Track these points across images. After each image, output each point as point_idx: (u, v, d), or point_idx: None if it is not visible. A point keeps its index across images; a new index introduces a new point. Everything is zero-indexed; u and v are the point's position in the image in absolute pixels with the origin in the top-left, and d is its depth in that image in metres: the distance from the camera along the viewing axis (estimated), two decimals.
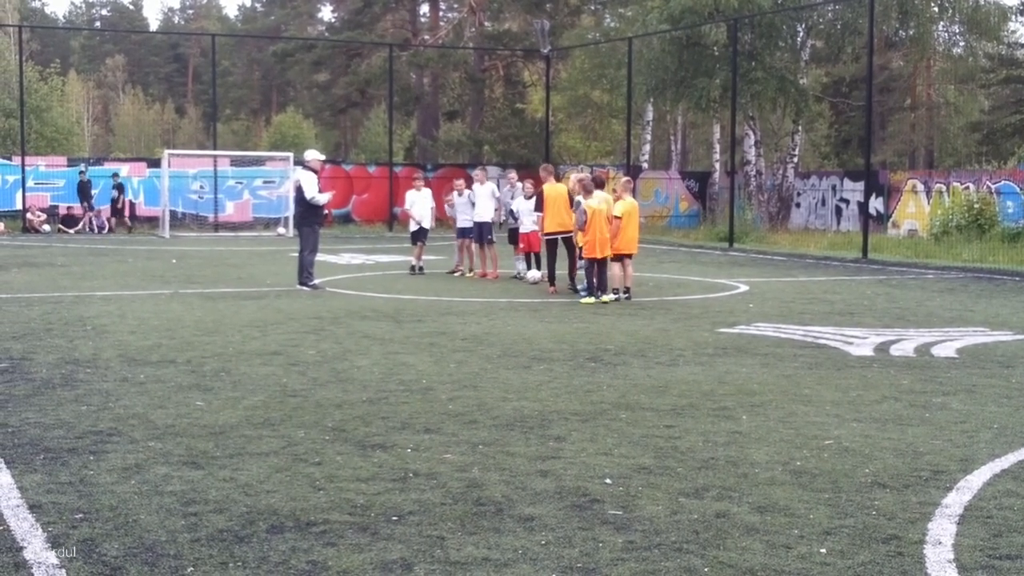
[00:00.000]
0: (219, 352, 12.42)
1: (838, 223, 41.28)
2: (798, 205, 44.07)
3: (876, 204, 39.36)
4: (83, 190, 39.25)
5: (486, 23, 54.35)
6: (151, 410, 9.29)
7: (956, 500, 6.91)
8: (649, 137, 55.10)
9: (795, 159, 44.80)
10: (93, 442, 8.17)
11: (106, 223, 39.20)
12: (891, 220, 39.49)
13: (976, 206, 34.63)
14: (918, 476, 7.48)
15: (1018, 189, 35.19)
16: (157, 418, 8.99)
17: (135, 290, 19.28)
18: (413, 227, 24.23)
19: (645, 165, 53.11)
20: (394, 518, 6.43)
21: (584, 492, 7.01)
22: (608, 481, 7.27)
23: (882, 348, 13.30)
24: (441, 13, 60.59)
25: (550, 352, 12.71)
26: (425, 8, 58.35)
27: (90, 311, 16.12)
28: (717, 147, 50.38)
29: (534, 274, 21.20)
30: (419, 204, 24.21)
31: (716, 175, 48.75)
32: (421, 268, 23.77)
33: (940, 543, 6.10)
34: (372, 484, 7.14)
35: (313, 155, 20.59)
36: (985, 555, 5.91)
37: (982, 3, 42.87)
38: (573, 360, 12.18)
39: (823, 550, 5.97)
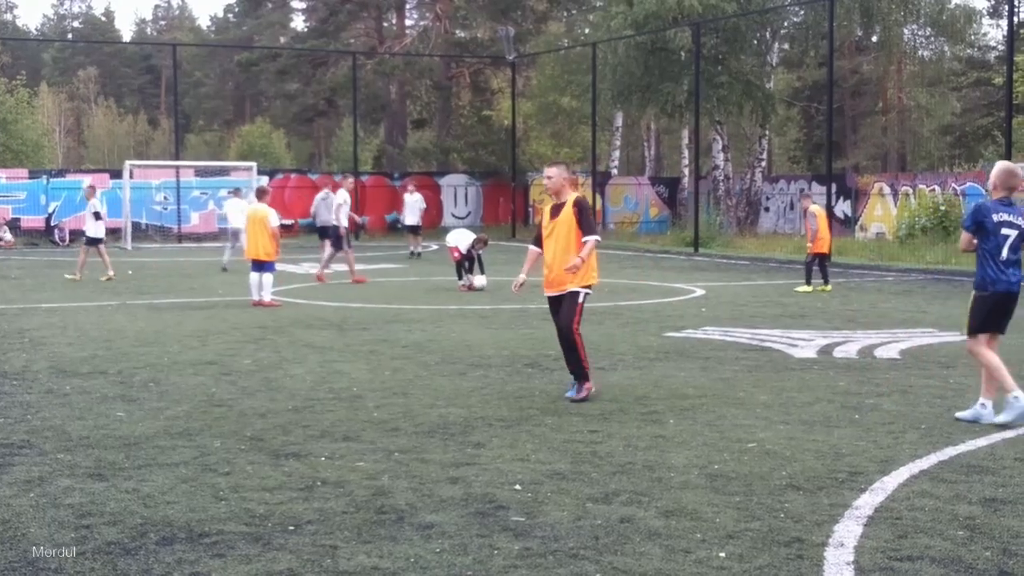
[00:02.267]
0: (153, 362, 12.25)
1: (801, 226, 41.23)
2: (767, 209, 44.07)
3: (844, 207, 39.40)
4: None
5: (452, 30, 54.25)
6: (69, 422, 9.13)
7: (868, 501, 6.81)
8: (619, 143, 55.10)
9: (762, 163, 44.79)
10: (0, 455, 8.00)
11: (68, 236, 38.95)
12: (859, 223, 39.52)
13: (942, 208, 34.66)
14: (834, 478, 7.37)
15: (983, 191, 35.23)
16: (73, 430, 8.83)
17: (83, 301, 19.08)
18: (409, 222, 31.87)
19: (615, 171, 53.10)
20: (291, 528, 6.29)
21: (491, 499, 6.88)
22: (518, 487, 7.14)
23: (826, 350, 13.22)
24: (410, 21, 60.53)
25: (489, 358, 12.58)
26: (391, 16, 58.20)
27: (31, 323, 15.93)
28: (686, 152, 50.36)
29: (480, 280, 21.11)
30: (410, 204, 31.81)
31: (686, 180, 48.73)
32: (419, 254, 30.79)
33: (843, 545, 5.98)
34: (276, 493, 6.99)
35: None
36: (886, 556, 5.80)
37: (949, 5, 42.95)
38: (511, 366, 12.06)
39: (722, 554, 5.85)
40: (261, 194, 19.23)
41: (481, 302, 19.03)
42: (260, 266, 18.40)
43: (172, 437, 8.56)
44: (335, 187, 24.92)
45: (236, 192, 29.71)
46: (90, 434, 8.67)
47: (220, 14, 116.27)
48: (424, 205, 33.49)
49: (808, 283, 21.18)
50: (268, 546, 5.98)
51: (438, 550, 5.91)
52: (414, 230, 32.45)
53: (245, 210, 25.87)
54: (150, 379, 11.19)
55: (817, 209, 21.71)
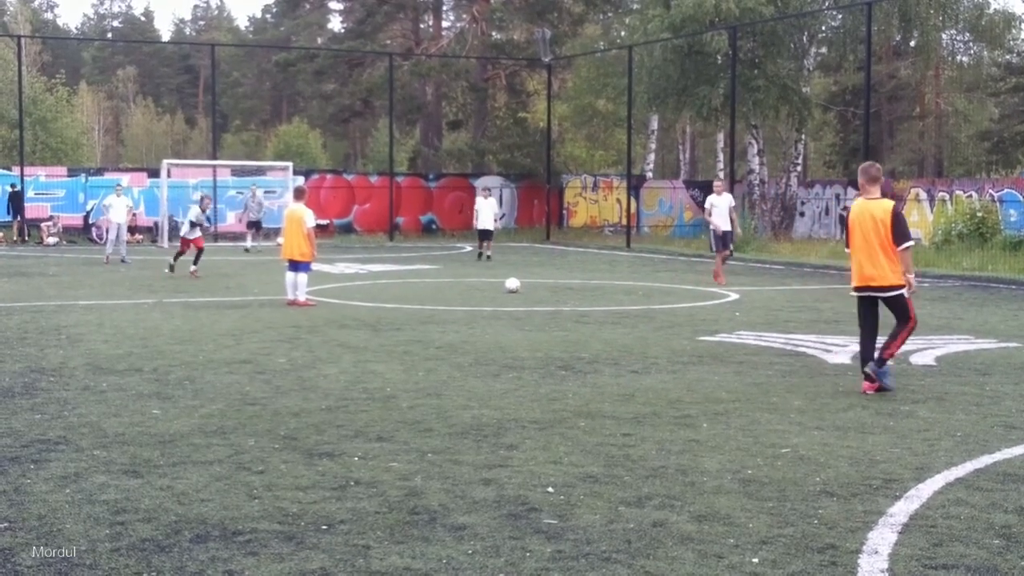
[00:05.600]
0: (188, 361, 12.32)
1: (841, 232, 41.03)
2: (802, 214, 43.88)
3: None
4: (14, 201, 39.13)
5: (488, 32, 54.26)
6: (105, 418, 9.19)
7: (902, 509, 6.77)
8: (654, 146, 55.00)
9: (798, 168, 44.61)
10: (38, 451, 8.07)
11: (105, 234, 39.16)
12: None
13: (979, 214, 34.42)
14: (868, 485, 7.33)
15: (1021, 197, 34.97)
16: (109, 426, 8.89)
17: (119, 299, 19.22)
18: (481, 226, 31.46)
19: (649, 175, 53.01)
20: (324, 527, 6.31)
21: (523, 501, 6.88)
22: (550, 490, 7.14)
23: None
24: (446, 23, 60.60)
25: (523, 360, 12.58)
26: (428, 18, 58.27)
27: (68, 320, 16.05)
28: (721, 156, 50.22)
29: (512, 282, 21.03)
30: (485, 209, 31.44)
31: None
32: (489, 256, 31.08)
33: (877, 552, 5.95)
34: (310, 493, 7.02)
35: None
36: (921, 564, 5.77)
37: (988, 10, 42.67)
38: (544, 368, 12.05)
39: (755, 560, 5.83)
40: (299, 194, 19.26)
41: (515, 304, 19.03)
42: (296, 266, 18.47)
43: (206, 435, 8.61)
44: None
45: (119, 188, 30.95)
46: (125, 431, 8.73)
47: (258, 14, 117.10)
48: (497, 209, 35.23)
49: None
50: (301, 545, 6.00)
51: (470, 551, 5.92)
52: (486, 235, 31.57)
53: (126, 205, 29.35)
54: (185, 377, 11.25)
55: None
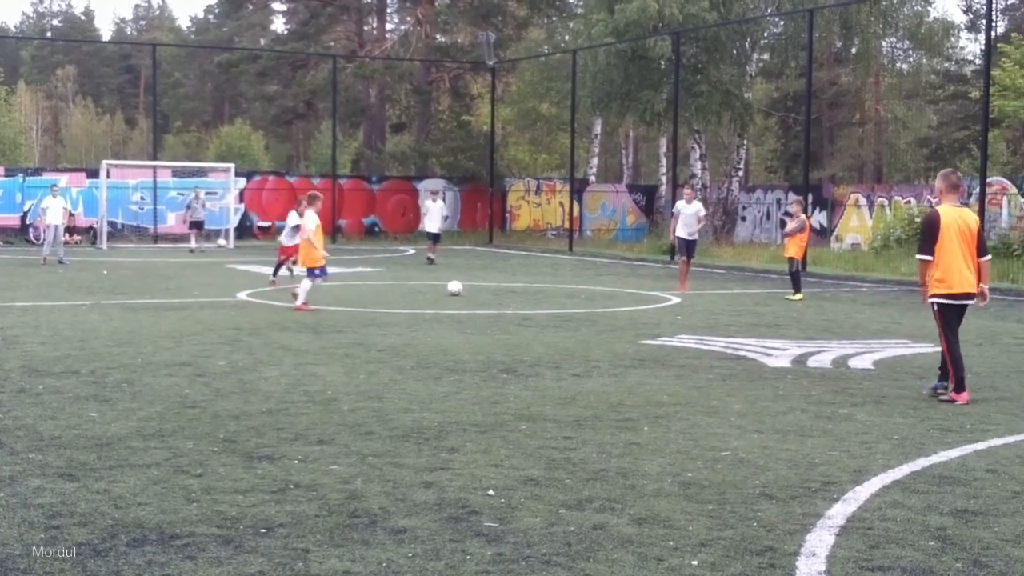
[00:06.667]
0: (127, 363, 12.19)
1: (782, 238, 41.36)
2: (743, 219, 44.21)
3: (820, 218, 39.54)
4: None
5: (433, 35, 54.19)
6: (41, 421, 9.07)
7: (840, 511, 6.82)
8: (597, 150, 55.20)
9: (740, 173, 44.93)
10: None
11: (42, 235, 38.73)
12: (834, 234, 39.68)
13: (917, 220, 34.80)
14: (807, 487, 7.38)
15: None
16: (45, 429, 8.77)
17: (57, 300, 18.99)
18: (427, 229, 31.93)
19: (592, 178, 53.18)
20: (263, 531, 6.27)
21: (464, 504, 6.86)
22: (491, 493, 7.13)
23: (800, 360, 13.26)
24: (390, 25, 60.46)
25: (464, 363, 12.57)
26: (372, 20, 58.10)
27: (5, 321, 15.84)
28: (664, 161, 50.46)
29: (455, 285, 20.98)
30: (433, 212, 31.77)
31: (663, 188, 48.84)
32: (432, 259, 30.93)
33: (814, 554, 6.00)
34: (249, 496, 6.97)
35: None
36: (858, 566, 5.82)
37: (927, 19, 43.23)
38: (486, 371, 12.04)
39: (695, 562, 5.86)
40: (308, 201, 18.85)
41: (457, 307, 19.01)
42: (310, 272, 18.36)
43: (144, 438, 8.52)
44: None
45: (55, 189, 30.85)
46: (62, 434, 8.62)
47: (200, 15, 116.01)
48: (447, 213, 35.88)
49: None
50: (239, 549, 5.96)
51: (410, 555, 5.90)
52: (435, 238, 31.64)
53: (62, 207, 29.62)
54: (123, 379, 11.13)
55: None
